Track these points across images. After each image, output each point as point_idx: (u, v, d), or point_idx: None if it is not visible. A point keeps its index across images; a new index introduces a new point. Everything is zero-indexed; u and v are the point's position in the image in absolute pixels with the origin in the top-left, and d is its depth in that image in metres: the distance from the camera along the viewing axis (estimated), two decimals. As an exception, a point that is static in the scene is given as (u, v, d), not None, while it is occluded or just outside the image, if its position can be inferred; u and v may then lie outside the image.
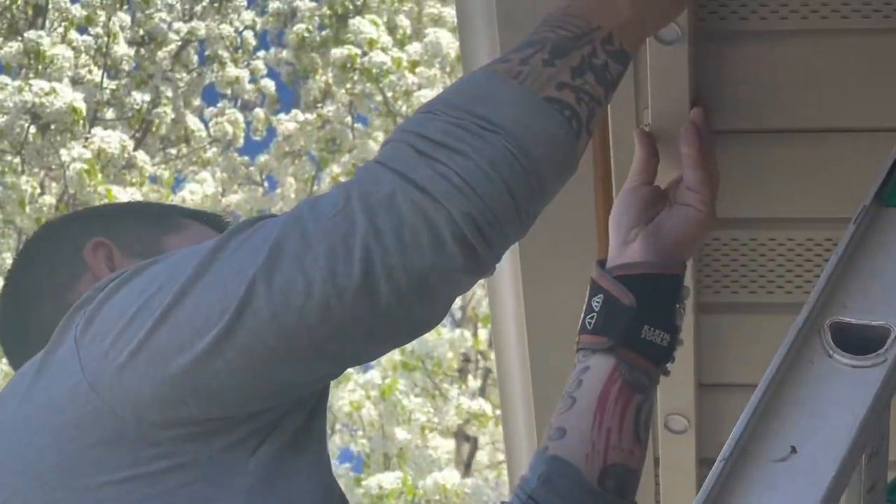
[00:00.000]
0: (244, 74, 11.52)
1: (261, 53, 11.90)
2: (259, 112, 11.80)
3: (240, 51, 11.58)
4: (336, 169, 10.05)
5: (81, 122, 8.77)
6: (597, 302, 1.62)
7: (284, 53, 11.52)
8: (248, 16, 11.70)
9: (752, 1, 1.68)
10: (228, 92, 11.62)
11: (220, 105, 11.60)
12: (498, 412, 8.24)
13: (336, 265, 1.24)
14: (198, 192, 10.58)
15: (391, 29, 10.22)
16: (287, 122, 10.96)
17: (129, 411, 1.28)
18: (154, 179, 10.38)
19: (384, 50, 9.72)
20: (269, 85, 11.94)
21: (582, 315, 1.63)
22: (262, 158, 11.57)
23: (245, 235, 1.30)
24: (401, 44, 10.13)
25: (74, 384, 1.29)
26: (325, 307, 1.25)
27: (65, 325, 1.35)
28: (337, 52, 9.75)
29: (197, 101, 11.39)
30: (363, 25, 9.79)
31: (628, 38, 1.43)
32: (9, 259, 8.88)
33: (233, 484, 1.30)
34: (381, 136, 10.34)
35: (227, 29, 11.27)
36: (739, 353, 2.05)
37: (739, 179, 1.83)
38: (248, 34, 11.70)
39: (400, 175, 1.27)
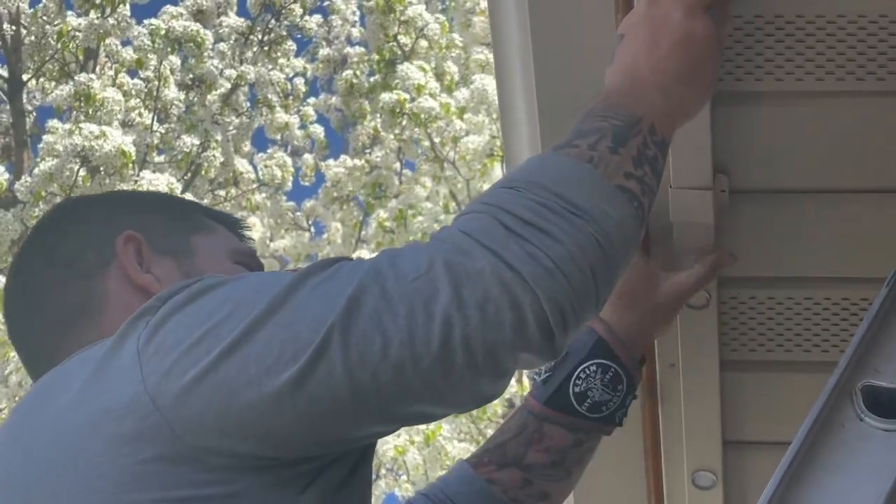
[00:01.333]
0: (294, 120, 11.58)
1: (311, 100, 11.98)
2: (308, 157, 11.86)
3: (290, 97, 11.65)
4: (383, 214, 10.07)
5: (131, 165, 8.82)
6: (607, 372, 1.69)
7: (334, 99, 11.59)
8: (298, 62, 11.77)
9: (767, 63, 1.69)
10: (278, 137, 11.68)
11: (269, 150, 11.67)
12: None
13: (415, 329, 1.25)
14: (246, 236, 10.60)
15: (439, 75, 10.25)
16: (335, 168, 11.01)
17: (189, 433, 1.27)
18: (203, 223, 10.38)
19: (432, 95, 9.75)
20: (319, 131, 12.02)
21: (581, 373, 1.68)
22: (309, 203, 11.63)
23: (322, 277, 1.30)
24: (448, 89, 10.17)
25: (135, 394, 1.28)
26: (400, 370, 1.25)
27: (126, 332, 1.33)
28: (385, 97, 9.79)
29: (247, 147, 11.45)
30: (411, 71, 9.82)
31: (665, 127, 1.45)
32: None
33: None
34: (428, 182, 10.37)
35: (277, 75, 11.34)
36: (763, 412, 2.06)
37: (774, 239, 1.84)
38: (299, 80, 11.77)
39: (490, 250, 1.28)
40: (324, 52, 11.75)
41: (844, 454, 1.37)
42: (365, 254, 10.15)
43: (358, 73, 10.78)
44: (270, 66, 11.35)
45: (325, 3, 11.98)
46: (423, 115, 9.65)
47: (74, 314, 1.47)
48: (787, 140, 1.78)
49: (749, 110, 1.76)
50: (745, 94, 1.73)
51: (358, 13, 11.75)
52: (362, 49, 11.06)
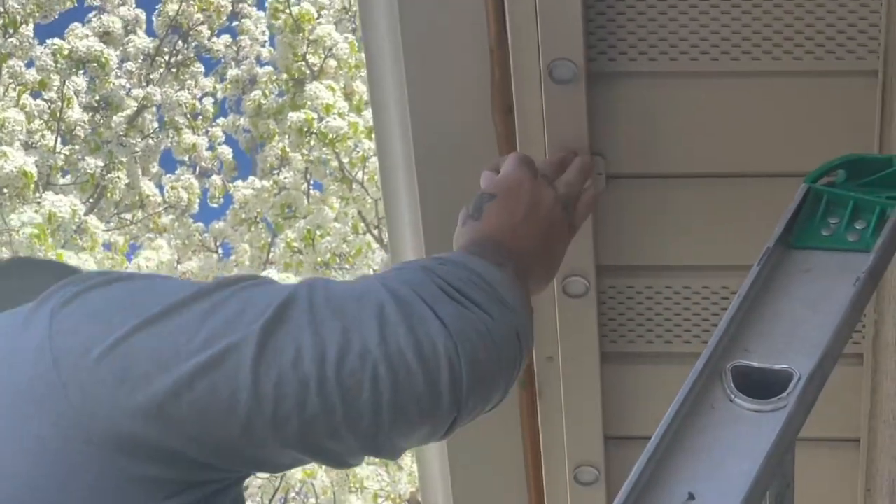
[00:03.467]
0: (202, 141, 11.51)
1: (220, 120, 11.91)
2: (216, 179, 11.78)
3: (199, 117, 11.58)
4: (291, 235, 10.01)
5: (32, 186, 8.70)
6: None
7: (242, 120, 11.51)
8: (208, 82, 11.71)
9: (640, 42, 1.68)
10: (186, 159, 11.60)
11: (177, 171, 11.59)
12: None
13: (330, 352, 1.25)
14: (153, 258, 10.52)
15: (348, 94, 10.22)
16: (244, 189, 10.94)
17: (83, 403, 1.22)
18: (108, 246, 10.31)
19: (341, 115, 9.72)
20: (227, 151, 11.93)
21: None
22: (218, 225, 11.55)
23: (252, 283, 1.31)
24: (357, 109, 10.13)
25: (39, 350, 1.24)
26: (304, 385, 1.24)
27: (45, 297, 1.29)
28: (293, 117, 9.74)
29: (155, 168, 11.37)
30: (320, 91, 9.79)
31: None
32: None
33: None
34: (336, 203, 10.33)
35: (184, 95, 11.27)
36: (644, 405, 2.05)
37: (633, 225, 1.83)
38: (208, 100, 11.71)
39: (423, 301, 1.30)
40: (232, 72, 11.68)
41: (714, 435, 1.34)
42: (273, 275, 10.08)
43: (267, 93, 10.72)
44: (178, 87, 11.28)
45: (234, 24, 11.94)
46: (331, 135, 9.61)
47: None
48: (662, 122, 1.78)
49: (624, 92, 1.75)
50: (620, 75, 1.73)
51: (267, 33, 11.69)
52: (271, 69, 11.01)
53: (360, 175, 10.01)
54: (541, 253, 1.58)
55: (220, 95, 11.83)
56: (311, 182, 10.65)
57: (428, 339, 1.27)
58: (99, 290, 1.29)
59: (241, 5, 11.87)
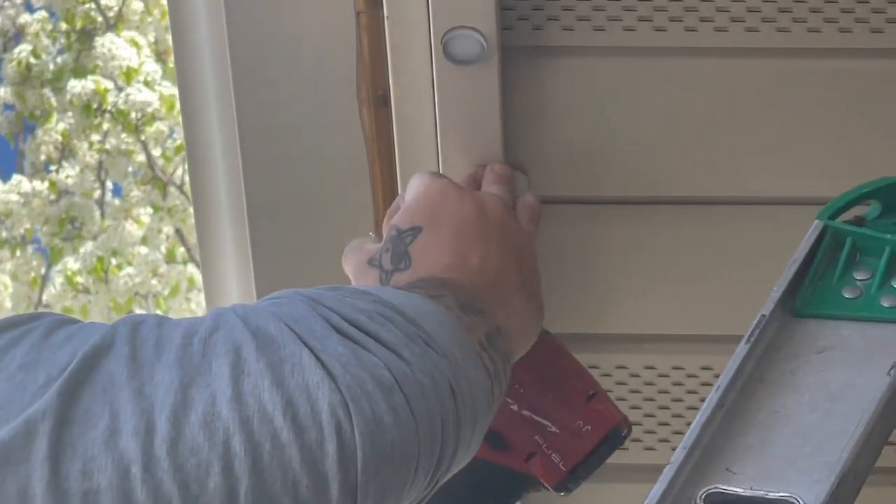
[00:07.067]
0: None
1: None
2: (-40, 180, 11.77)
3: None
4: (73, 265, 9.99)
5: None
6: None
7: (2, 91, 11.48)
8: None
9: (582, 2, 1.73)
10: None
11: None
12: None
13: (157, 420, 1.24)
14: None
15: (160, 53, 10.23)
16: (5, 194, 10.90)
17: None
18: None
19: (148, 84, 9.73)
20: (-21, 139, 11.92)
21: None
22: (-34, 249, 11.54)
23: (27, 329, 1.31)
24: (174, 76, 10.13)
25: None
26: (124, 473, 1.23)
27: None
28: (77, 86, 9.72)
29: None
30: (117, 47, 9.78)
31: (508, 340, 1.60)
32: None
33: None
34: (144, 216, 10.32)
35: None
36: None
37: (560, 272, 1.91)
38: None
39: (301, 340, 1.30)
40: (-14, 18, 11.67)
41: None
42: (45, 324, 10.05)
43: (38, 50, 10.70)
44: None
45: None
46: (134, 114, 9.61)
47: None
48: (613, 123, 1.85)
49: (557, 76, 1.83)
50: (551, 51, 1.80)
51: (40, -40, 11.69)
52: (45, 14, 10.99)
53: (177, 174, 10.01)
54: (514, 275, 1.65)
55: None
56: (109, 185, 10.65)
57: (303, 394, 1.27)
58: None
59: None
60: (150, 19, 10.43)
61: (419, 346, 1.36)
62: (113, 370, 1.26)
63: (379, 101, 1.84)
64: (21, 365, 1.27)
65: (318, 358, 1.29)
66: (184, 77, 2.04)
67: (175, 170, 10.05)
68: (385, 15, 1.76)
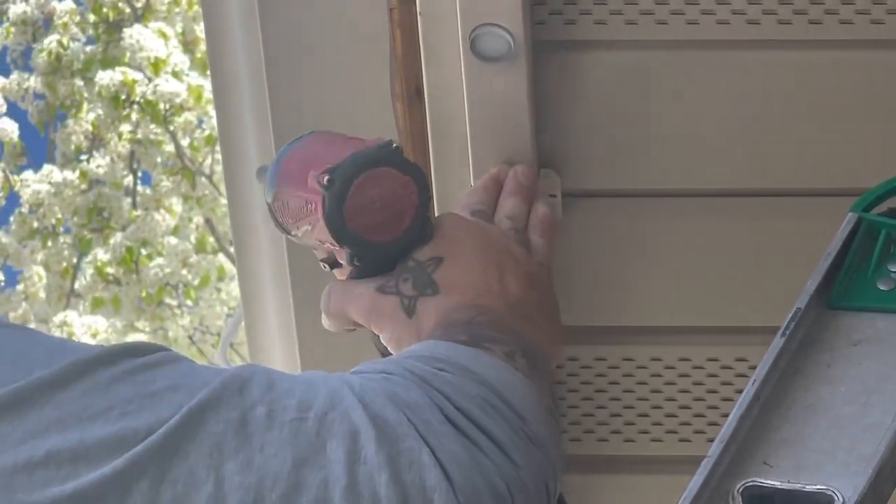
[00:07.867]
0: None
1: (-2, 80, 11.89)
2: (-7, 168, 11.77)
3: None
4: (103, 255, 9.99)
5: None
6: None
7: (32, 80, 11.47)
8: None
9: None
10: (-53, 139, 11.58)
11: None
12: None
13: (267, 494, 1.23)
14: None
15: (188, 43, 10.22)
16: (36, 184, 10.90)
17: None
18: None
19: (176, 75, 9.72)
20: (11, 128, 11.88)
21: None
22: (-2, 238, 11.53)
23: (143, 363, 1.29)
24: (203, 67, 10.13)
25: None
26: None
27: None
28: (105, 77, 9.72)
29: None
30: (145, 38, 9.78)
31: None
32: None
33: None
34: (175, 205, 10.32)
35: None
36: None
37: (590, 265, 1.90)
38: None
39: (420, 434, 1.29)
40: (17, 9, 11.64)
41: None
42: (74, 317, 10.04)
43: (67, 40, 10.70)
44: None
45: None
46: (162, 105, 9.60)
47: None
48: (643, 117, 1.84)
49: (587, 72, 1.82)
50: (581, 45, 1.80)
51: (69, -50, 11.70)
52: (73, 5, 10.99)
53: (207, 164, 10.00)
54: (534, 298, 1.63)
55: (-3, 44, 11.82)
56: (139, 174, 10.64)
57: (420, 495, 1.26)
58: None
59: None
60: (177, 10, 10.43)
61: (523, 443, 1.35)
62: (221, 433, 1.25)
63: (412, 96, 1.83)
64: (122, 413, 1.24)
65: (436, 458, 1.28)
66: (217, 71, 2.03)
67: (204, 159, 10.03)
68: (418, 11, 1.76)
